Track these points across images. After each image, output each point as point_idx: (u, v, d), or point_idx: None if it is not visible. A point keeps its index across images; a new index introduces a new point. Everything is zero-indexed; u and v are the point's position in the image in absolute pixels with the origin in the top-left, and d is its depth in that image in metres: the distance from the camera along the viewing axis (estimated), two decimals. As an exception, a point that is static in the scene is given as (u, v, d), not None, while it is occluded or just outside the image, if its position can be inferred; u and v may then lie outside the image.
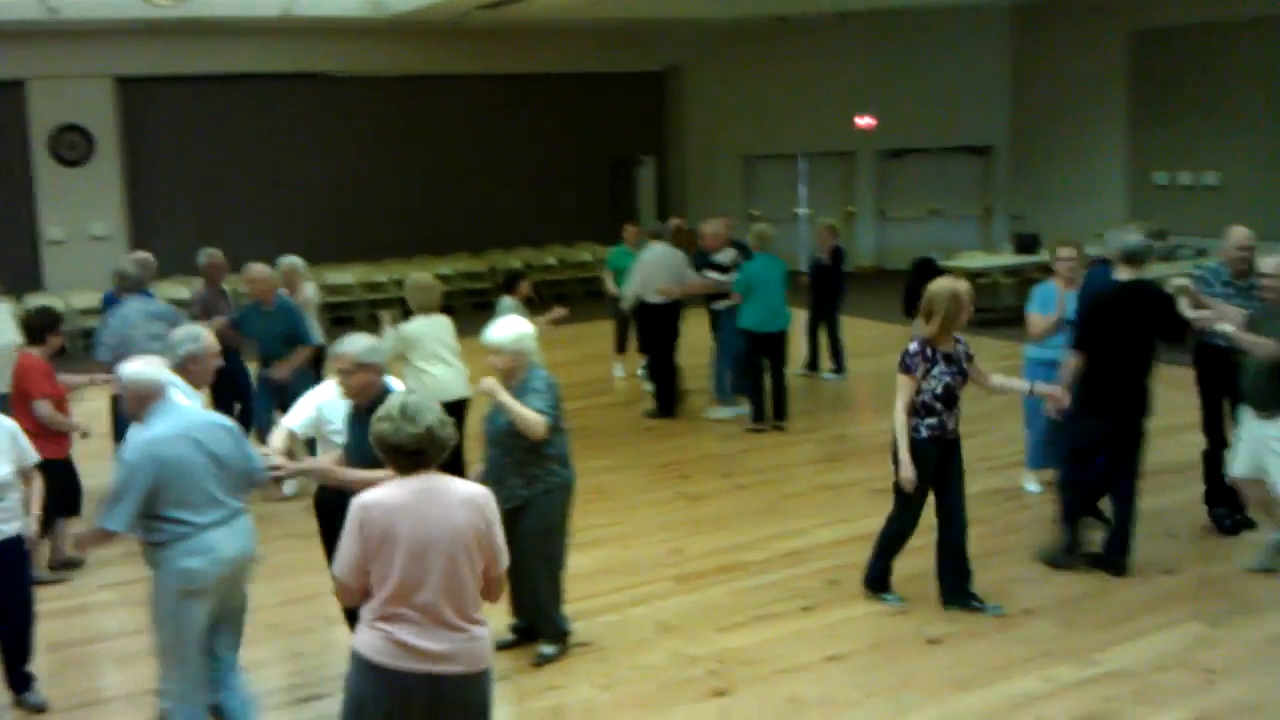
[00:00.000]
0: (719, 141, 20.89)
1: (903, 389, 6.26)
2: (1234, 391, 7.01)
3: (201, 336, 5.44)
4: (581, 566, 6.87)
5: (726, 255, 10.80)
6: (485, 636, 3.98)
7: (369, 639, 3.88)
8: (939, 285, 6.31)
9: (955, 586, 6.50)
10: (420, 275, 8.97)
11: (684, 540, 7.78)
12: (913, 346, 6.28)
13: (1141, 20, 17.73)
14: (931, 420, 6.27)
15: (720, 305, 10.77)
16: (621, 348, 12.61)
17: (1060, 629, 6.18)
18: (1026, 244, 16.17)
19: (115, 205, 17.04)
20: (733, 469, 9.43)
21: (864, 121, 20.44)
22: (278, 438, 5.84)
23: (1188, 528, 7.61)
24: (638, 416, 11.13)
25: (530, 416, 5.64)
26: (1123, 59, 18.18)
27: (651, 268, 10.85)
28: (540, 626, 6.07)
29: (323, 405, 5.92)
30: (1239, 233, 7.36)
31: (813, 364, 12.56)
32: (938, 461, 6.35)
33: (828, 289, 12.24)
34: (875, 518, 7.95)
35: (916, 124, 20.14)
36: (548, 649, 6.04)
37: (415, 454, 3.88)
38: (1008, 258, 16.16)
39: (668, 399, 11.06)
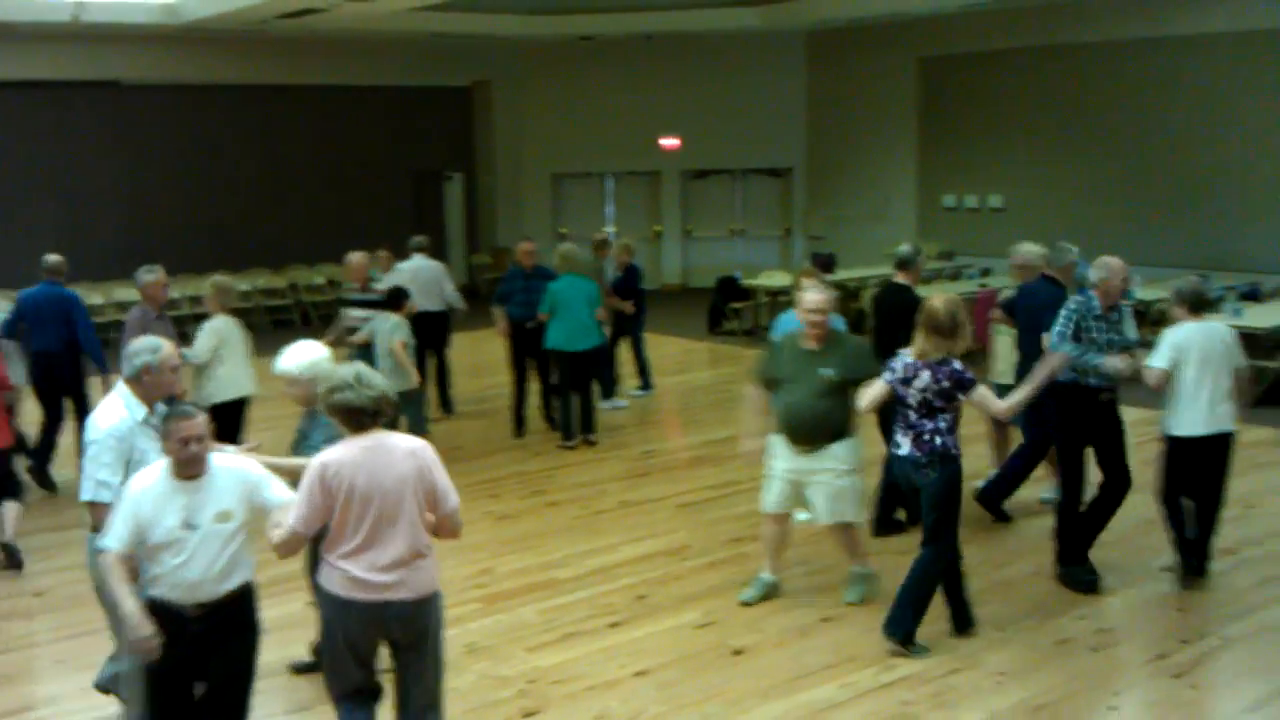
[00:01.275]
0: (527, 159, 20.95)
1: (989, 399, 6.21)
2: (1097, 437, 6.98)
3: (161, 348, 5.06)
4: (388, 589, 6.74)
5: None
6: (430, 567, 4.62)
7: (332, 577, 4.53)
8: (951, 301, 6.11)
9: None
10: (222, 277, 9.42)
11: (493, 560, 7.73)
12: (958, 365, 6.05)
13: (929, 48, 18.56)
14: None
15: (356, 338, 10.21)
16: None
17: (859, 635, 6.37)
18: (824, 264, 16.61)
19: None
20: (543, 487, 9.43)
21: (668, 142, 20.78)
22: (117, 568, 4.47)
23: (980, 535, 7.96)
24: (444, 435, 10.99)
25: (295, 466, 4.93)
26: (912, 85, 18.99)
27: (406, 280, 10.78)
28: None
29: (138, 510, 4.50)
30: (1118, 264, 6.92)
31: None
32: None
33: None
34: (682, 532, 8.16)
35: (719, 145, 20.61)
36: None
37: (375, 414, 4.52)
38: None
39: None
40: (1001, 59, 17.62)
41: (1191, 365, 6.72)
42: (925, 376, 6.06)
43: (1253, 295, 13.59)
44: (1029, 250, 8.23)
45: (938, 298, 6.17)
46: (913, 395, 6.10)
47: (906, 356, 6.16)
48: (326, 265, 19.00)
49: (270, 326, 17.46)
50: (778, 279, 16.80)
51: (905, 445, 6.18)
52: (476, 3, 16.55)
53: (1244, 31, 14.89)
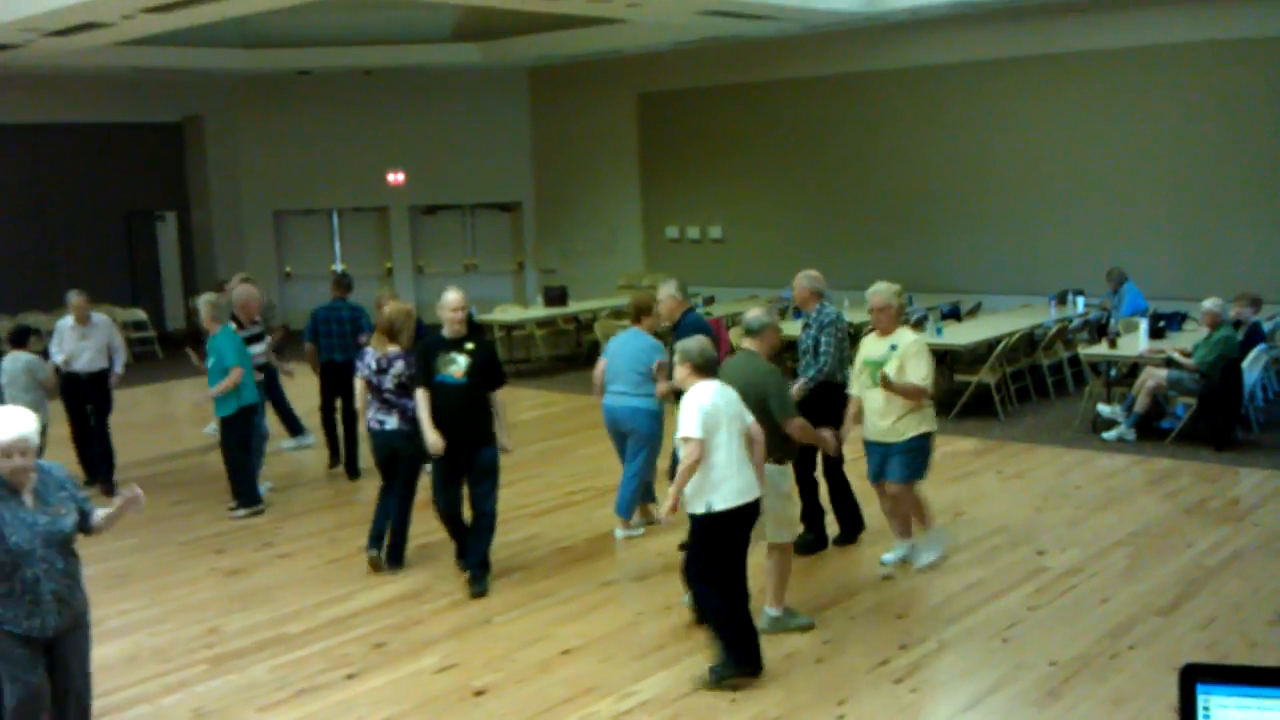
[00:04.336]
0: (247, 196, 20.31)
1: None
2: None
3: None
4: (106, 658, 6.36)
5: None
6: None
7: None
8: (399, 309, 8.21)
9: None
10: None
11: (220, 619, 7.40)
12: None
13: (646, 85, 19.09)
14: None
15: None
16: None
17: (598, 666, 6.44)
18: (556, 297, 16.84)
19: None
20: (274, 538, 9.10)
21: (395, 178, 20.57)
22: None
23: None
24: (173, 485, 10.48)
25: None
26: (632, 121, 19.48)
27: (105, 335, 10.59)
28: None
29: None
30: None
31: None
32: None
33: None
34: (420, 575, 8.04)
35: (447, 181, 20.57)
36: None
37: None
38: (540, 311, 16.76)
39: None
40: (715, 95, 18.29)
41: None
42: (400, 365, 7.86)
43: (953, 314, 14.55)
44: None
45: (391, 305, 8.42)
46: (390, 380, 7.86)
47: (371, 352, 8.00)
48: (31, 314, 17.81)
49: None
50: (512, 313, 16.85)
51: (391, 420, 7.88)
52: (183, 37, 15.93)
53: (939, 65, 15.98)
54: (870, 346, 7.56)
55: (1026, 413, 12.53)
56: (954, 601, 7.27)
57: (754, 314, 6.91)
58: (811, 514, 8.13)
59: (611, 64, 19.01)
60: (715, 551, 6.10)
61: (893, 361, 7.36)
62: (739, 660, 6.13)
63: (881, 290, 7.46)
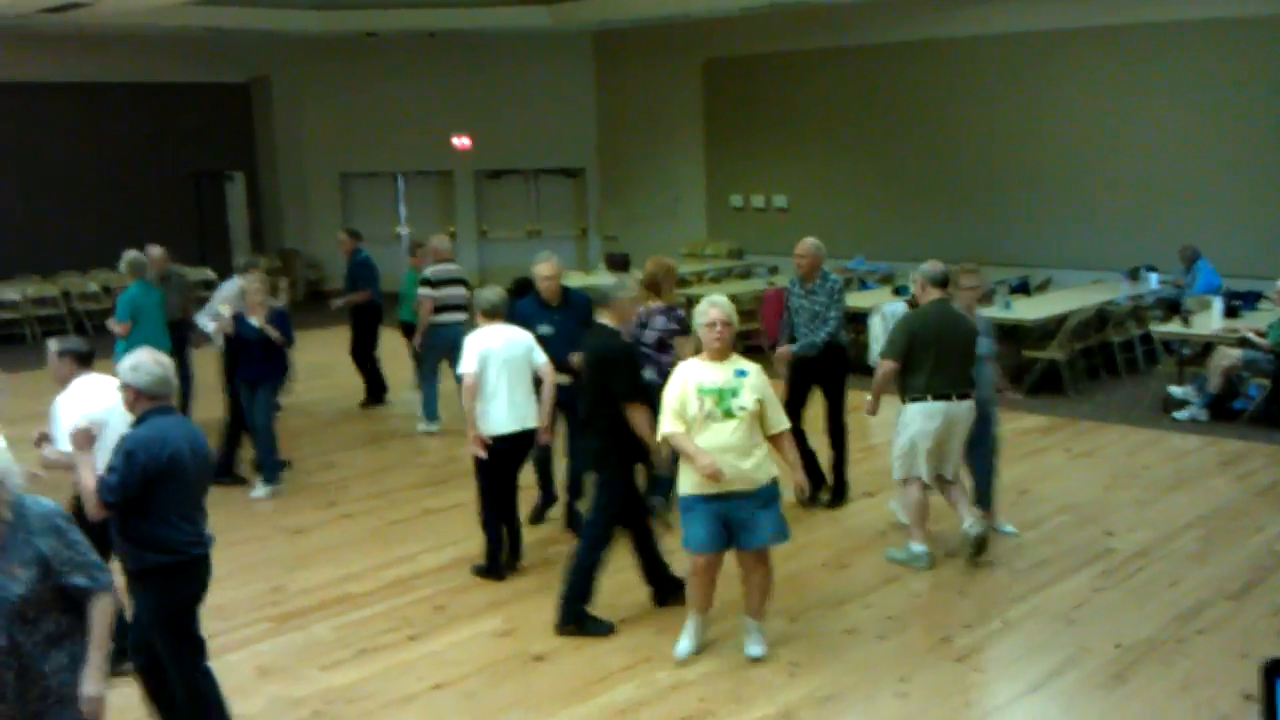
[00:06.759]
0: (313, 157, 20.43)
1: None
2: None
3: None
4: (172, 613, 6.45)
5: None
6: None
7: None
8: (657, 262, 8.01)
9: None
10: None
11: (285, 577, 7.49)
12: (680, 313, 7.82)
13: (712, 50, 18.91)
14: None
15: None
16: None
17: (656, 636, 6.43)
18: (619, 263, 16.69)
19: None
20: (337, 499, 9.19)
21: (460, 142, 20.59)
22: None
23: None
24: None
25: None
26: (697, 87, 19.31)
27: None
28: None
29: None
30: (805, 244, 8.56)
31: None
32: None
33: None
34: (481, 539, 8.04)
35: (512, 145, 20.55)
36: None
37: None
38: (602, 277, 16.69)
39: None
40: (782, 61, 18.08)
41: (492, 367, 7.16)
42: (661, 320, 7.69)
43: (1023, 289, 14.32)
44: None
45: (652, 259, 8.06)
46: (651, 334, 7.69)
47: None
48: (101, 271, 18.11)
49: (41, 339, 16.54)
50: (574, 279, 16.78)
51: (648, 373, 7.26)
52: (254, -2, 16.07)
53: (1014, 33, 15.67)
54: (702, 371, 5.96)
55: (1096, 390, 12.33)
56: (1019, 580, 7.17)
57: (938, 266, 7.28)
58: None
59: (678, 29, 18.85)
60: (486, 471, 7.24)
61: (745, 392, 5.89)
62: (489, 568, 7.39)
63: (721, 304, 6.01)
